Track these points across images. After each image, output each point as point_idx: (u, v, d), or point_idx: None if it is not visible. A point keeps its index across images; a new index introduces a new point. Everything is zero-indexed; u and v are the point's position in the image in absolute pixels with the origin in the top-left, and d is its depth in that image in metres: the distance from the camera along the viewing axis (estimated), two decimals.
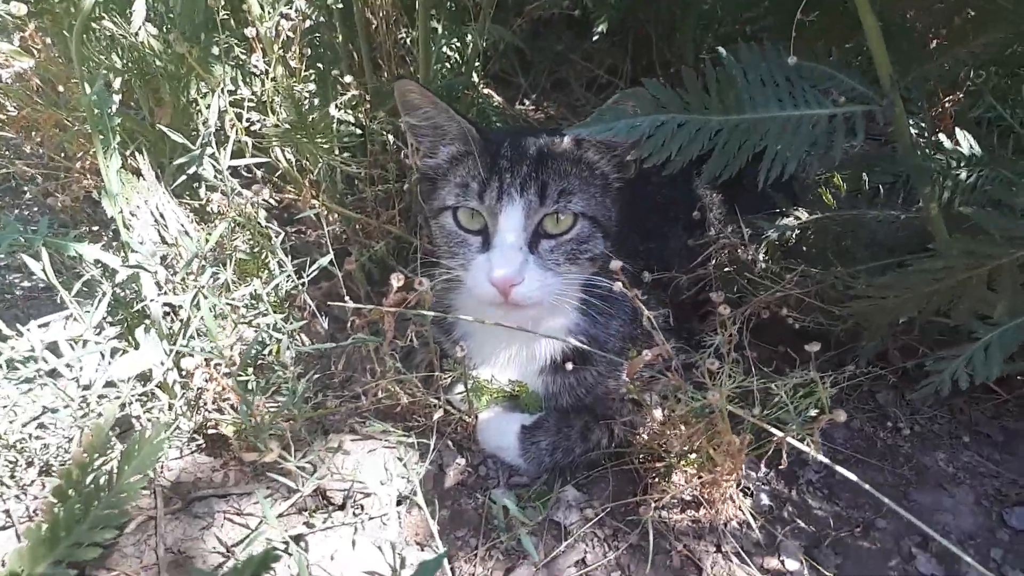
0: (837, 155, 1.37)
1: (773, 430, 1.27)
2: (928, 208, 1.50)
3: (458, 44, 2.47)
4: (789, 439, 1.23)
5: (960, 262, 1.28)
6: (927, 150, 1.48)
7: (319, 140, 1.63)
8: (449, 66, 2.46)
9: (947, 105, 1.54)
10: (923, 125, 1.51)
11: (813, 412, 1.27)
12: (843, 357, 1.84)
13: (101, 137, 1.36)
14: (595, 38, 2.95)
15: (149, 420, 1.63)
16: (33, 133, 1.73)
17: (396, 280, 1.31)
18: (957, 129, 1.53)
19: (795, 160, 1.37)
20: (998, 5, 1.21)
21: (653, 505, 1.41)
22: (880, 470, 1.62)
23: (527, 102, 3.20)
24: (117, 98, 1.50)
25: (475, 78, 2.37)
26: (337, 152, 1.76)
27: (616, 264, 1.24)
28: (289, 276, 1.59)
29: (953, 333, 1.74)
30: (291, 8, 1.60)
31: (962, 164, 1.48)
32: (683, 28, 2.89)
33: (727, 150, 1.36)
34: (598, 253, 1.52)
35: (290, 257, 1.76)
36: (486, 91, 2.74)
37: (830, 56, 1.42)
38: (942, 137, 1.51)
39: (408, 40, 2.33)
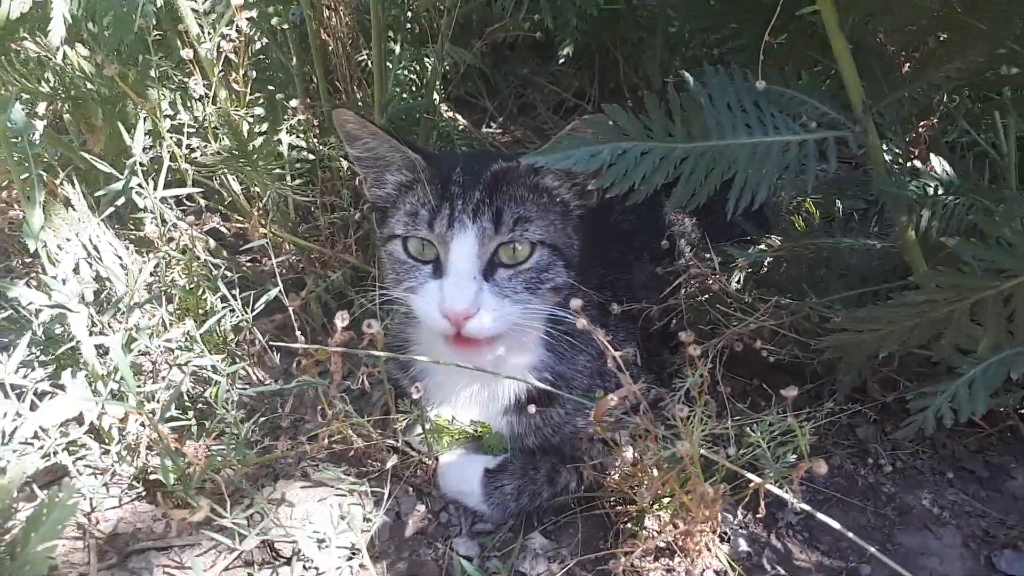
0: (810, 182, 1.30)
1: (750, 476, 1.19)
2: (905, 237, 1.43)
3: (416, 67, 2.40)
4: (768, 486, 1.15)
5: (941, 295, 1.21)
6: (902, 177, 1.41)
7: (265, 167, 1.53)
8: (411, 89, 2.38)
9: (921, 130, 1.48)
10: (897, 151, 1.45)
11: (792, 457, 1.19)
12: (819, 390, 1.77)
13: (22, 166, 1.25)
14: (561, 61, 2.89)
15: (86, 468, 1.52)
16: None
17: (340, 320, 1.21)
18: (932, 155, 1.47)
19: (766, 187, 1.29)
20: (974, 27, 1.16)
21: (623, 560, 1.31)
22: (863, 511, 1.54)
23: (493, 125, 3.14)
24: (41, 125, 1.40)
25: (436, 100, 2.29)
26: (288, 179, 1.66)
27: (577, 303, 1.16)
28: (234, 311, 1.48)
29: (933, 365, 1.67)
30: (232, 28, 1.50)
31: (938, 192, 1.42)
32: (649, 51, 2.84)
33: (693, 178, 1.28)
34: (561, 283, 1.43)
35: (238, 290, 1.66)
36: (450, 114, 2.67)
37: (800, 80, 1.35)
38: (917, 164, 1.45)
39: (368, 62, 2.25)
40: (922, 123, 1.43)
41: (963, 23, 1.17)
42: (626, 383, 1.15)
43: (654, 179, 1.25)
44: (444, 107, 2.45)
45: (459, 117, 2.86)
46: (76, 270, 1.35)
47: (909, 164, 1.45)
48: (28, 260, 1.75)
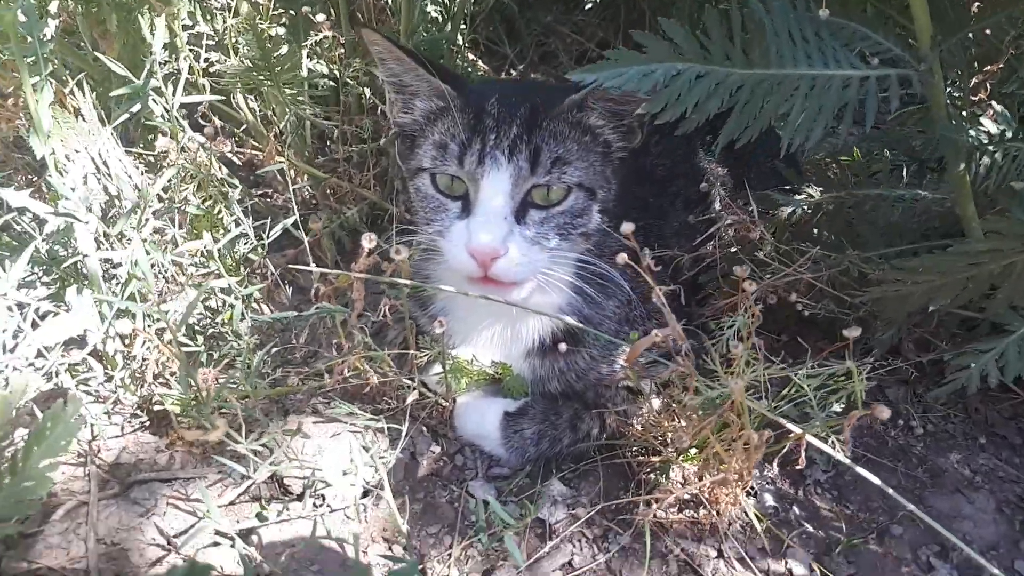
0: (870, 121, 1.22)
1: (791, 426, 1.12)
2: (960, 186, 1.36)
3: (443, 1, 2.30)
4: (812, 439, 1.09)
5: (1004, 245, 1.14)
6: (963, 123, 1.33)
7: (285, 85, 1.44)
8: (433, 27, 2.28)
9: (981, 78, 1.40)
10: (958, 96, 1.37)
11: (838, 408, 1.13)
12: (852, 349, 1.70)
13: (30, 64, 1.17)
14: (588, 7, 2.79)
15: (89, 395, 1.45)
16: None
17: (368, 242, 1.14)
18: (993, 103, 1.39)
19: (822, 126, 1.22)
20: None
21: (653, 507, 1.26)
22: (893, 471, 1.49)
23: (514, 72, 3.05)
24: (54, 24, 1.30)
25: (460, 40, 2.19)
26: (307, 103, 1.57)
27: (622, 257, 1.08)
28: (247, 237, 1.40)
29: (970, 329, 1.61)
30: None
31: (999, 139, 1.34)
32: (679, 3, 2.74)
33: (748, 109, 1.20)
34: (593, 229, 1.36)
35: (251, 219, 1.58)
36: (471, 57, 2.57)
37: (865, 12, 1.27)
38: (978, 111, 1.37)
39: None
40: (984, 69, 1.34)
41: None
42: (670, 320, 1.08)
43: (708, 106, 1.17)
44: (465, 49, 2.35)
45: (479, 62, 2.77)
46: (85, 181, 1.27)
47: (969, 111, 1.36)
48: (32, 178, 1.67)
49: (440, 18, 2.30)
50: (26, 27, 1.17)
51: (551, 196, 1.31)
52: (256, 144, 1.73)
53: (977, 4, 1.31)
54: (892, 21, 1.29)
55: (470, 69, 2.44)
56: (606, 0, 2.88)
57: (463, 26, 2.20)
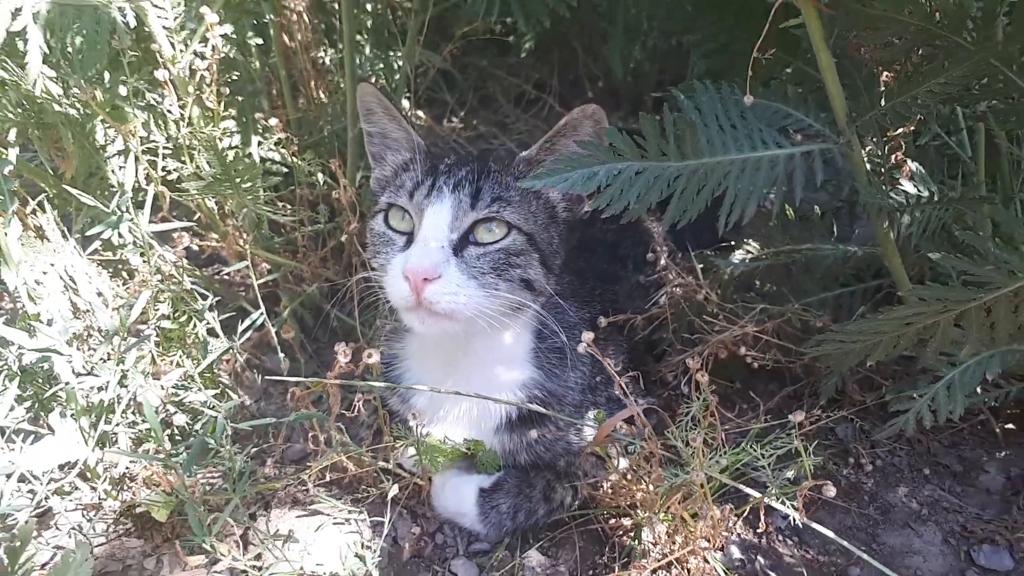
0: (798, 195, 1.32)
1: (751, 492, 1.21)
2: (886, 244, 1.47)
3: (382, 67, 2.36)
4: (772, 502, 1.17)
5: (928, 308, 1.24)
6: (883, 186, 1.44)
7: (247, 189, 1.49)
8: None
9: (897, 141, 1.51)
10: (878, 159, 1.48)
11: (790, 475, 1.22)
12: (800, 391, 1.81)
13: None
14: (524, 55, 2.87)
15: (71, 502, 1.47)
16: None
17: (343, 353, 1.19)
18: (909, 161, 1.50)
19: (755, 202, 1.31)
20: (959, 44, 1.18)
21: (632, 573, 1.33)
22: (847, 511, 1.58)
23: (455, 120, 3.11)
24: (14, 152, 1.33)
25: (405, 105, 2.26)
26: (264, 202, 1.62)
27: (588, 336, 1.16)
28: (220, 339, 1.44)
29: (908, 363, 1.73)
30: (206, 46, 1.45)
31: (917, 200, 1.45)
32: (610, 42, 2.84)
33: (686, 195, 1.29)
34: (533, 277, 1.41)
35: (215, 312, 1.62)
36: (411, 113, 2.63)
37: (786, 94, 1.37)
38: (896, 173, 1.48)
39: (326, 60, 2.21)
40: (899, 129, 1.45)
41: (947, 40, 1.19)
42: (632, 407, 1.15)
43: (649, 197, 1.25)
44: (407, 104, 2.41)
45: (420, 113, 2.82)
46: (75, 311, 1.30)
47: (888, 173, 1.47)
48: None
49: (384, 84, 2.36)
50: None
51: (492, 234, 1.37)
52: (214, 236, 1.76)
53: (887, 79, 1.42)
54: (813, 99, 1.39)
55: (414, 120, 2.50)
56: (540, 43, 2.96)
57: (407, 91, 2.26)
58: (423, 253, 1.29)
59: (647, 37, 2.87)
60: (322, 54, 2.15)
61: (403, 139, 1.50)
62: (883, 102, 1.33)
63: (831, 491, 1.10)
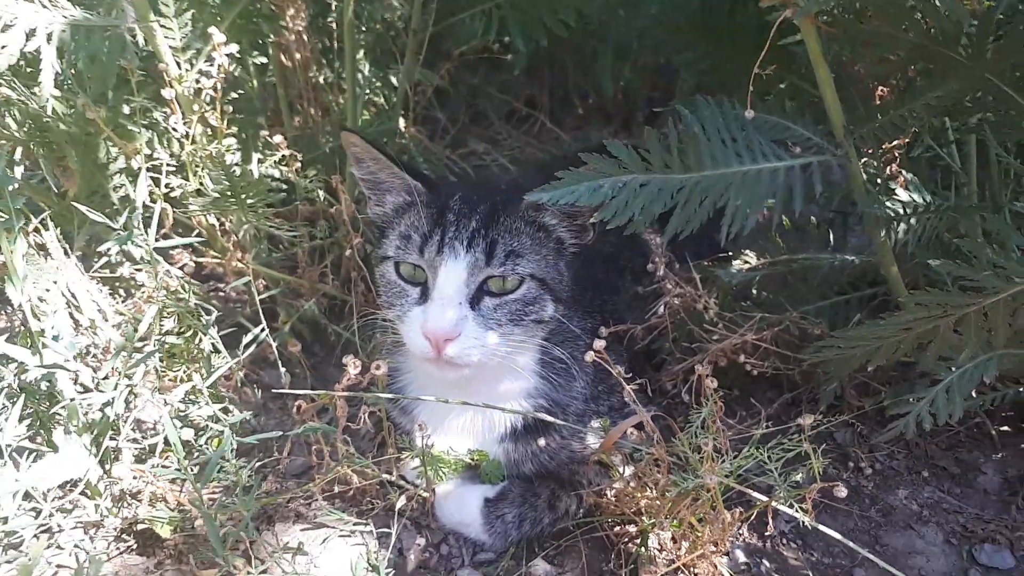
0: (798, 206, 1.35)
1: (758, 496, 1.22)
2: (883, 253, 1.50)
3: (380, 85, 2.38)
4: (779, 505, 1.19)
5: (928, 313, 1.27)
6: (879, 196, 1.47)
7: (253, 206, 1.50)
8: (379, 110, 2.36)
9: (893, 153, 1.55)
10: (874, 170, 1.50)
11: (798, 478, 1.24)
12: (798, 397, 1.83)
13: (3, 218, 1.20)
14: (515, 72, 2.90)
15: (74, 523, 1.47)
16: None
17: (352, 366, 1.20)
18: (904, 172, 1.54)
19: (756, 213, 1.33)
20: (954, 59, 1.21)
21: None
22: (849, 514, 1.60)
23: (447, 137, 3.13)
24: (19, 171, 1.34)
25: (401, 124, 2.27)
26: (267, 217, 1.63)
27: (600, 344, 1.17)
28: (222, 355, 1.45)
29: (906, 369, 1.76)
30: (211, 65, 1.46)
31: (913, 209, 1.48)
32: (600, 59, 2.88)
33: (688, 207, 1.31)
34: (547, 317, 1.44)
35: (215, 328, 1.62)
36: (411, 131, 2.65)
37: (784, 108, 1.40)
38: (892, 184, 1.51)
39: (322, 80, 2.23)
40: (895, 141, 1.48)
41: (942, 55, 1.22)
42: (641, 414, 1.17)
43: (653, 209, 1.28)
44: (402, 124, 2.43)
45: (416, 134, 2.84)
46: (76, 327, 1.30)
47: (884, 183, 1.50)
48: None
49: (383, 103, 2.38)
50: None
51: (505, 285, 1.39)
52: (213, 252, 1.77)
53: (882, 94, 1.46)
54: (812, 105, 1.42)
55: (406, 143, 2.51)
56: (532, 61, 2.99)
57: (410, 106, 2.28)
58: (441, 315, 1.31)
59: (637, 56, 2.90)
60: (319, 74, 2.17)
61: (397, 183, 1.47)
62: (879, 115, 1.37)
63: (842, 492, 1.12)
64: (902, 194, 1.50)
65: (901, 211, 1.46)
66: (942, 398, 1.50)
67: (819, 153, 1.38)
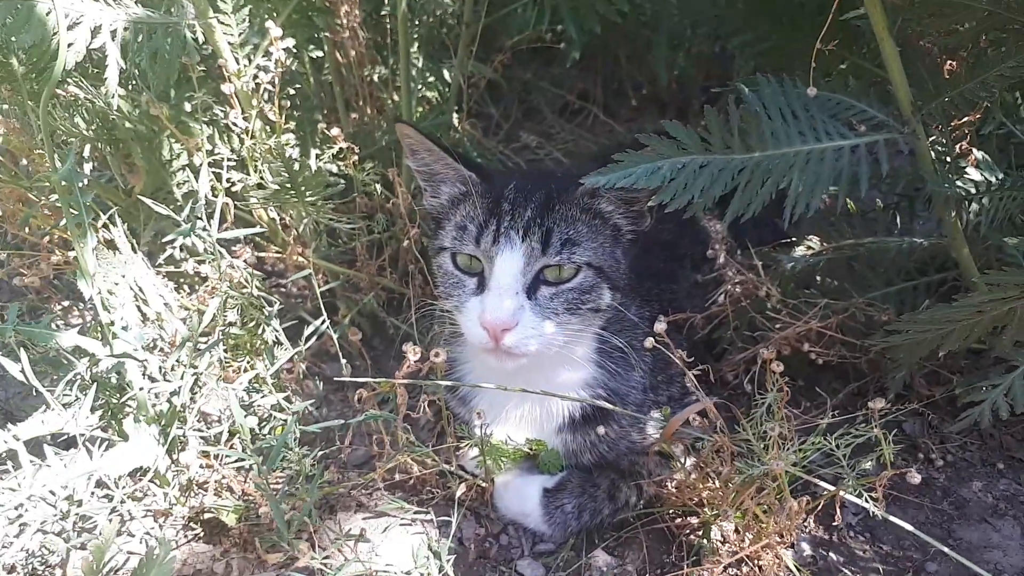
0: (864, 186, 1.31)
1: (826, 485, 1.19)
2: (953, 233, 1.45)
3: (433, 80, 2.39)
4: (848, 495, 1.16)
5: (1004, 294, 1.22)
6: (949, 174, 1.42)
7: (312, 198, 1.52)
8: (428, 103, 2.37)
9: (963, 130, 1.49)
10: (943, 148, 1.45)
11: (868, 465, 1.20)
12: (864, 388, 1.78)
13: (73, 214, 1.24)
14: (568, 65, 2.89)
15: (144, 512, 1.50)
16: None
17: (412, 353, 1.20)
18: (975, 151, 1.48)
19: (820, 194, 1.30)
20: None
21: (707, 574, 1.31)
22: (920, 507, 1.55)
23: (500, 133, 3.13)
24: (88, 167, 1.38)
25: (455, 119, 2.28)
26: (326, 211, 1.64)
27: (661, 326, 1.15)
28: (284, 347, 1.47)
29: (978, 357, 1.69)
30: (269, 60, 1.49)
31: (989, 189, 1.43)
32: (654, 50, 2.84)
33: (750, 189, 1.29)
34: (604, 305, 1.43)
35: (277, 320, 1.65)
36: (462, 126, 2.66)
37: (847, 85, 1.36)
38: (962, 161, 1.46)
39: (375, 78, 2.24)
40: (965, 117, 1.43)
41: (1016, 23, 1.17)
42: (704, 401, 1.14)
43: (713, 190, 1.25)
44: (455, 119, 2.43)
45: (468, 128, 2.85)
46: (143, 320, 1.33)
47: (953, 161, 1.45)
48: (65, 304, 1.73)
49: (437, 97, 2.39)
50: (67, 178, 1.24)
51: (562, 274, 1.38)
52: (275, 247, 1.79)
53: (950, 68, 1.41)
54: (876, 85, 1.38)
55: (459, 137, 2.51)
56: (584, 53, 2.97)
57: (456, 108, 2.29)
58: (499, 306, 1.31)
59: (691, 44, 2.86)
60: (374, 72, 2.18)
61: (451, 174, 1.47)
62: (949, 90, 1.32)
63: (916, 478, 1.08)
64: (973, 173, 1.44)
65: (972, 191, 1.41)
66: (1019, 385, 1.44)
67: (885, 131, 1.33)
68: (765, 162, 1.27)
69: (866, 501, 1.17)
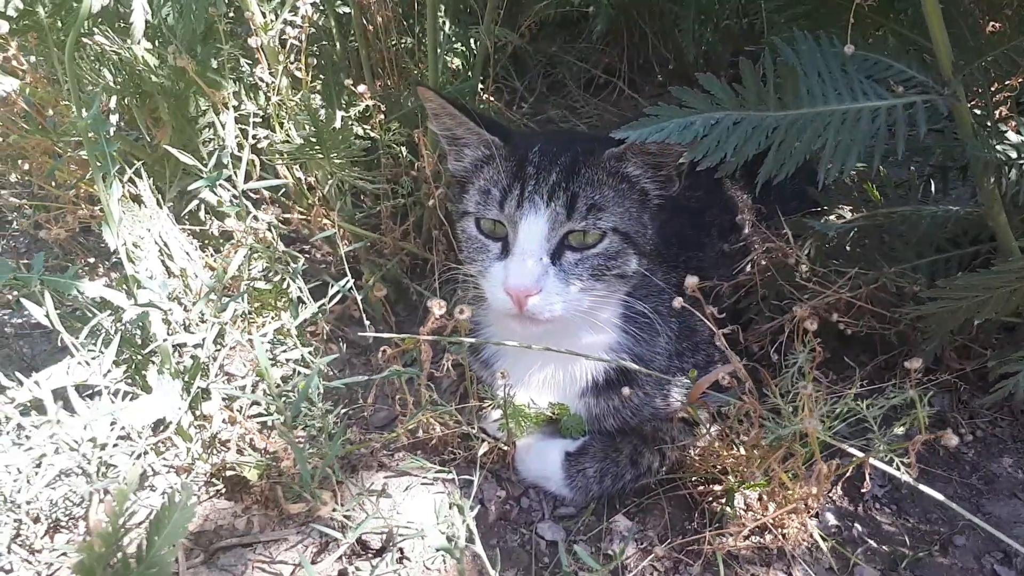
0: (901, 148, 1.27)
1: (856, 452, 1.17)
2: (991, 201, 1.41)
3: (462, 48, 2.37)
4: (877, 462, 1.13)
5: None
6: (988, 139, 1.38)
7: (334, 156, 1.50)
8: (453, 70, 2.35)
9: (1003, 94, 1.45)
10: (982, 113, 1.41)
11: (900, 431, 1.18)
12: (893, 361, 1.75)
13: (99, 164, 1.23)
14: (594, 39, 2.86)
15: (164, 466, 1.51)
16: (20, 161, 1.60)
17: (437, 308, 1.19)
18: (1016, 115, 1.44)
19: (855, 156, 1.27)
20: None
21: (728, 541, 1.30)
22: (948, 481, 1.53)
23: (524, 106, 3.11)
24: (114, 119, 1.37)
25: (479, 86, 2.26)
26: (352, 170, 1.63)
27: (692, 280, 1.13)
28: (304, 302, 1.46)
29: (1010, 331, 1.66)
30: (296, 16, 1.47)
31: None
32: (682, 24, 2.80)
33: (784, 148, 1.26)
34: (630, 271, 1.41)
35: (301, 278, 1.64)
36: (487, 97, 2.64)
37: (887, 45, 1.32)
38: (1004, 127, 1.42)
39: (402, 45, 2.22)
40: (1007, 80, 1.39)
41: None
42: (734, 361, 1.12)
43: (746, 149, 1.22)
44: (486, 90, 2.41)
45: (492, 99, 2.83)
46: (168, 274, 1.33)
47: (994, 125, 1.41)
48: (91, 261, 1.73)
49: (462, 65, 2.37)
50: (94, 127, 1.24)
51: (587, 239, 1.36)
52: (300, 208, 1.79)
53: (992, 29, 1.37)
54: (914, 50, 1.34)
55: (484, 108, 2.49)
56: (608, 27, 2.94)
57: (481, 76, 2.27)
58: (523, 271, 1.30)
59: (719, 18, 2.82)
60: (400, 41, 2.16)
61: (474, 138, 1.45)
62: (991, 50, 1.28)
63: (952, 439, 1.05)
64: (1013, 137, 1.40)
65: (1013, 155, 1.37)
66: None
67: (924, 92, 1.30)
68: (800, 120, 1.24)
69: (897, 468, 1.14)
